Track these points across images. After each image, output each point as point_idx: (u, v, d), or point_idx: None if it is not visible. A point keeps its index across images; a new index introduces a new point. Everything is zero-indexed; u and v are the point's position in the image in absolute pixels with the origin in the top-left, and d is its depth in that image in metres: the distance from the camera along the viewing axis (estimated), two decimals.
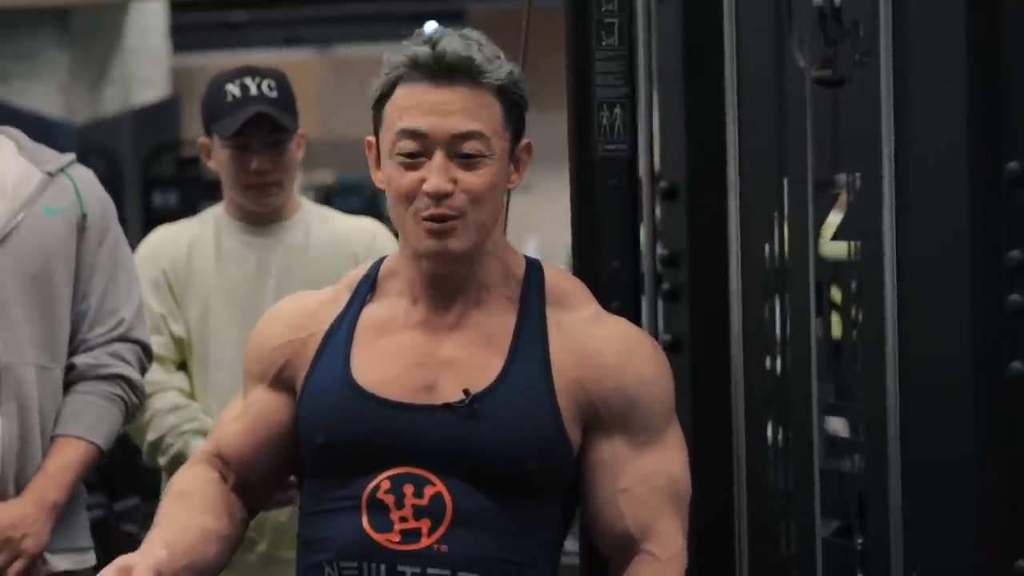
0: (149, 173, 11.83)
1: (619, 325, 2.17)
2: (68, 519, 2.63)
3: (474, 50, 2.09)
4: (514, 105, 2.12)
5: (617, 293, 2.29)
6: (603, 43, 2.28)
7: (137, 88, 13.22)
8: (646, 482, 2.11)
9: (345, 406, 2.12)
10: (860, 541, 2.24)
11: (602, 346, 2.13)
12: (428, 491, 2.08)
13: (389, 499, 2.08)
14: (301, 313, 2.22)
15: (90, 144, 12.06)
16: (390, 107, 2.11)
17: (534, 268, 2.18)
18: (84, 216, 2.67)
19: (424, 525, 2.06)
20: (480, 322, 2.14)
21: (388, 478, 2.08)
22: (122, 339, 2.67)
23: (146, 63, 13.41)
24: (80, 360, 2.65)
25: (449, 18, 16.83)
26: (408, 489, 2.08)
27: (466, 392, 2.09)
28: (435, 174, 2.07)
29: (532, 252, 9.11)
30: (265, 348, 2.22)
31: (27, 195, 2.63)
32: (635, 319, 2.32)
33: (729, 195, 2.40)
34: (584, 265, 2.33)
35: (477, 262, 2.13)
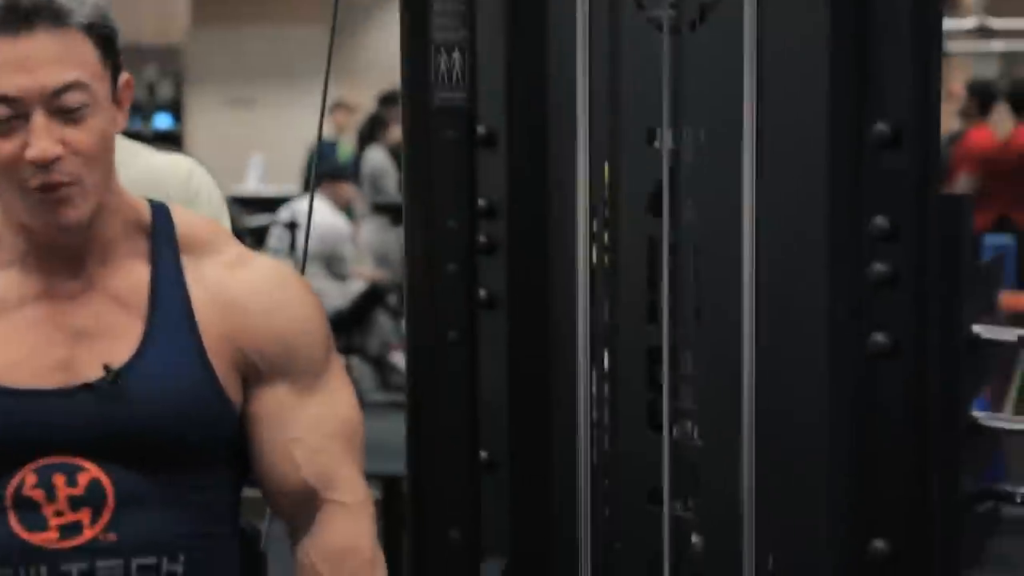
0: None
1: (264, 267, 2.00)
2: None
3: None
4: (107, 41, 1.89)
5: (453, 254, 2.11)
6: None
7: None
8: (318, 428, 1.97)
9: None
10: (682, 507, 2.14)
11: (248, 293, 1.96)
12: (82, 478, 1.88)
13: (38, 494, 1.87)
14: None
15: None
16: None
17: (161, 214, 1.98)
18: None
19: (84, 516, 1.87)
20: (110, 284, 1.93)
21: (33, 471, 1.88)
22: None
23: None
24: None
25: None
26: (59, 480, 1.87)
27: (107, 368, 1.89)
28: (38, 138, 1.83)
29: (257, 171, 8.88)
30: None
31: None
32: (472, 280, 2.15)
33: (551, 142, 2.24)
34: (417, 225, 2.14)
35: (97, 220, 1.91)
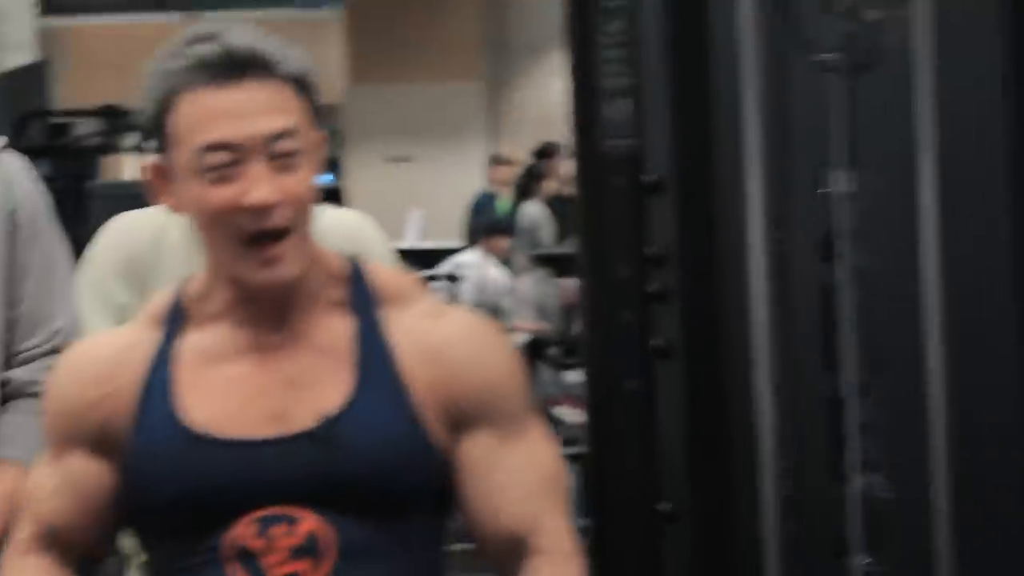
0: (18, 141, 11.43)
1: (462, 316, 2.01)
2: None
3: (262, 41, 1.88)
4: (311, 94, 1.91)
5: (626, 302, 2.09)
6: (607, 28, 2.08)
7: (6, 53, 12.75)
8: (523, 475, 1.95)
9: (184, 456, 1.90)
10: (872, 561, 2.09)
11: (451, 342, 1.95)
12: (301, 528, 1.88)
13: (258, 545, 1.87)
14: (106, 362, 1.97)
15: None
16: (176, 123, 1.88)
17: (355, 267, 1.99)
18: (13, 212, 2.41)
19: (304, 566, 1.87)
20: (315, 335, 1.94)
21: (252, 522, 1.88)
22: (58, 351, 2.42)
23: (12, 26, 12.94)
24: (15, 375, 2.39)
25: None
26: (278, 530, 1.88)
27: (321, 417, 1.89)
28: (258, 184, 1.85)
29: (416, 227, 8.96)
30: (76, 407, 1.96)
31: None
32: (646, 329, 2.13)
33: (721, 188, 2.21)
34: (590, 274, 2.12)
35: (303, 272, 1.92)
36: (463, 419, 1.95)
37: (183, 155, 1.88)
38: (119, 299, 2.80)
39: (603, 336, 1.96)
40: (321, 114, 1.93)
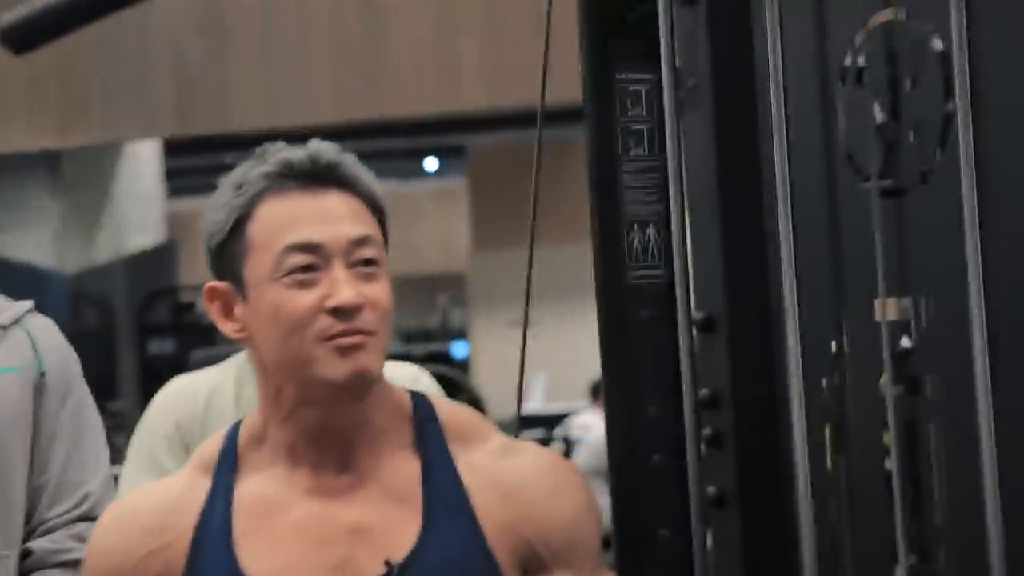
0: (144, 320, 11.65)
1: (533, 453, 1.91)
2: None
3: (345, 157, 1.87)
4: (383, 219, 1.89)
5: (658, 443, 1.96)
6: (631, 153, 1.97)
7: (131, 234, 12.99)
8: None
9: None
10: None
11: (527, 479, 1.87)
12: None
13: None
14: (159, 512, 1.88)
15: (83, 292, 11.87)
16: (258, 228, 1.84)
17: (423, 403, 1.91)
18: (42, 374, 2.35)
19: None
20: (381, 476, 1.85)
21: None
22: (87, 518, 2.33)
23: (140, 208, 13.19)
24: (38, 545, 2.31)
25: (449, 153, 16.70)
26: None
27: (388, 564, 1.79)
28: (343, 286, 1.81)
29: (540, 390, 8.91)
30: (124, 564, 1.87)
31: None
32: (681, 474, 2.00)
33: (783, 323, 2.08)
34: (617, 411, 2.00)
35: (368, 406, 1.85)
36: (540, 561, 1.85)
37: (263, 260, 1.83)
38: (166, 466, 2.75)
39: (633, 480, 1.83)
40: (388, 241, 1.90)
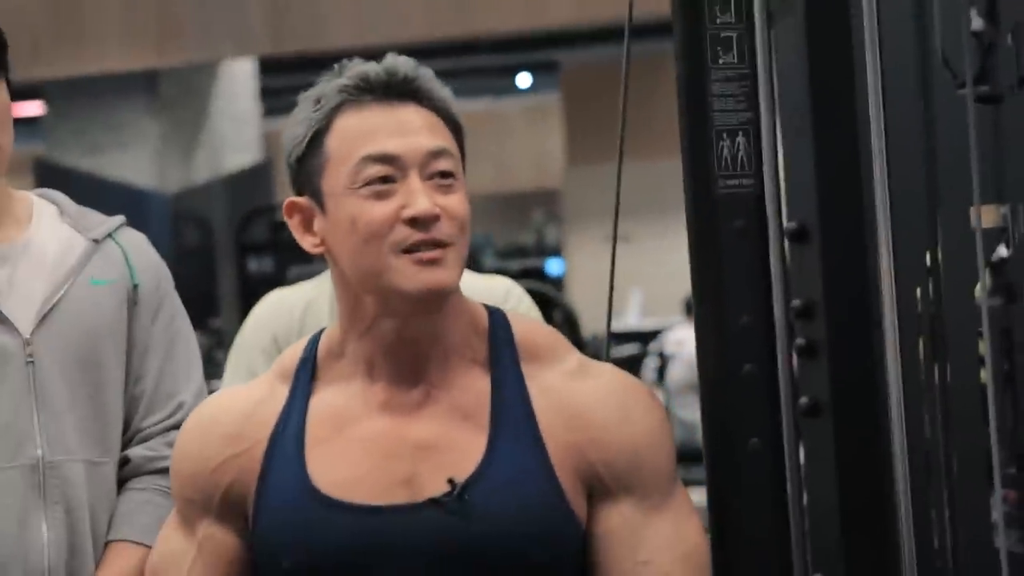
0: (243, 239, 11.74)
1: (609, 375, 1.90)
2: None
3: (422, 71, 1.87)
4: (459, 132, 1.89)
5: (749, 353, 1.95)
6: (720, 61, 1.95)
7: (228, 153, 13.07)
8: (668, 551, 1.83)
9: (310, 520, 1.83)
10: None
11: (596, 402, 1.86)
12: None
13: None
14: (238, 419, 1.92)
15: (183, 212, 11.98)
16: (336, 140, 1.85)
17: (499, 319, 1.91)
18: (135, 287, 2.38)
19: None
20: (452, 394, 1.86)
21: None
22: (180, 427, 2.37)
23: (236, 127, 13.26)
24: (135, 452, 2.36)
25: (541, 69, 16.63)
26: None
27: (451, 482, 1.80)
28: (419, 197, 1.81)
29: (636, 306, 8.90)
30: (204, 469, 1.91)
31: (70, 266, 2.34)
32: (772, 382, 1.99)
33: (876, 233, 2.06)
34: (707, 322, 1.99)
35: (444, 317, 1.85)
36: (604, 486, 1.84)
37: (340, 172, 1.84)
38: None
39: (723, 390, 1.82)
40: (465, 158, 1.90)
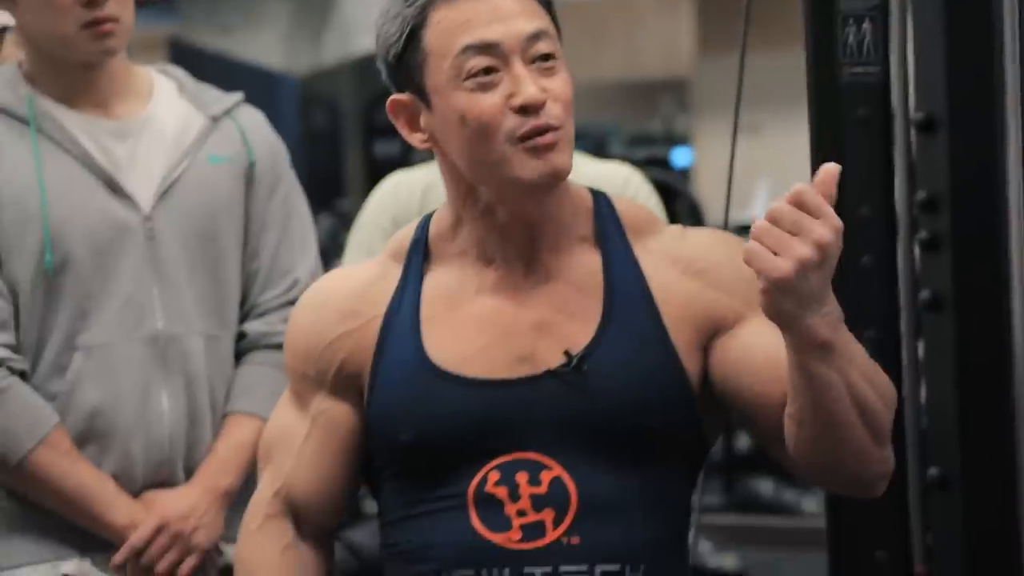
0: (371, 122, 11.74)
1: (706, 231, 1.92)
2: (243, 504, 2.35)
3: None
4: (553, 13, 1.86)
5: (869, 244, 1.92)
6: None
7: (357, 36, 13.06)
8: (780, 348, 1.75)
9: (428, 394, 1.84)
10: None
11: (707, 247, 1.88)
12: (545, 476, 1.80)
13: (501, 491, 1.81)
14: (352, 296, 1.92)
15: (312, 95, 12.00)
16: (434, 34, 1.83)
17: (602, 200, 1.92)
18: (252, 164, 2.38)
19: (547, 517, 1.79)
20: (564, 270, 1.87)
21: (496, 468, 1.82)
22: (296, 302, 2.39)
23: (365, 10, 13.24)
24: (252, 327, 2.38)
25: None
26: (522, 477, 1.81)
27: (567, 354, 1.81)
28: (525, 84, 1.80)
29: (763, 198, 8.73)
30: (318, 345, 1.92)
31: (189, 143, 2.35)
32: (891, 274, 1.95)
33: (1006, 125, 2.00)
34: None
35: (552, 201, 1.86)
36: (722, 326, 1.85)
37: (442, 67, 1.83)
38: None
39: (840, 280, 1.78)
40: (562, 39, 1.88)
